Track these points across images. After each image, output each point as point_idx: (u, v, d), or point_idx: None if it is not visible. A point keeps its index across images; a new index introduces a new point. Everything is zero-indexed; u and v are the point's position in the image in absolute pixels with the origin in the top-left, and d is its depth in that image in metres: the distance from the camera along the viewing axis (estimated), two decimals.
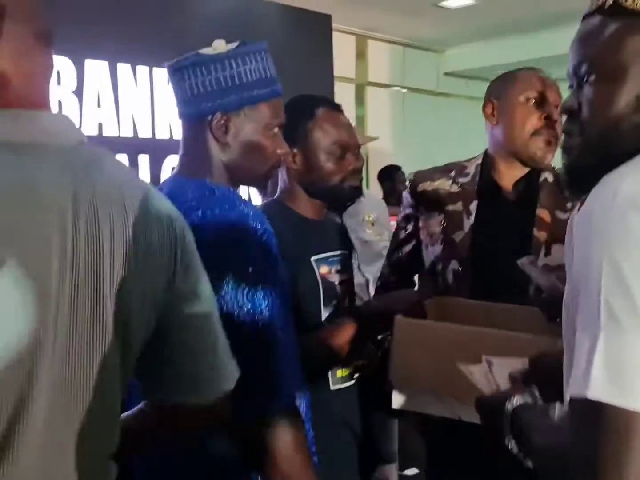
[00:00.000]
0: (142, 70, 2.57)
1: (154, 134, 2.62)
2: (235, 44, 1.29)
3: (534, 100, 1.76)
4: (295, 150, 1.72)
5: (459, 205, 1.85)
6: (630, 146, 0.86)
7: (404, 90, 6.70)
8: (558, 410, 1.03)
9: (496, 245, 1.81)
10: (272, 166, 1.38)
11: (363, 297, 2.43)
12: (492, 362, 1.48)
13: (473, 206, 1.84)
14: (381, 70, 6.46)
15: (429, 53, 6.88)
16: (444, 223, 1.85)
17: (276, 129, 1.34)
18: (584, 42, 0.90)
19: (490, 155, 1.90)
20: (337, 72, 4.03)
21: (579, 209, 0.83)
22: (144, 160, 2.58)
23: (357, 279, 2.15)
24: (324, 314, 1.69)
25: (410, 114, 6.66)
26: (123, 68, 2.52)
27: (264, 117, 1.31)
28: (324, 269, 1.71)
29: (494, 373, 1.45)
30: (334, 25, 3.89)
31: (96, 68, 2.44)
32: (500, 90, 1.85)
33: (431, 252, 1.87)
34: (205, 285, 0.96)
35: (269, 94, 1.32)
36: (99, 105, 2.47)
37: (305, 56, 3.40)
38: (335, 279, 1.74)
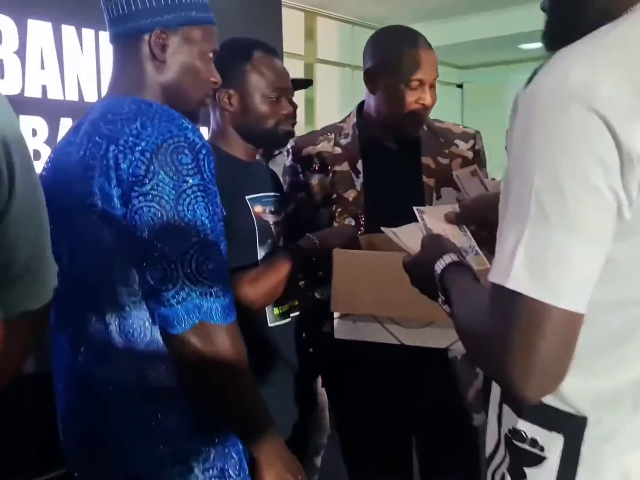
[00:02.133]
0: (88, 33, 2.54)
1: (99, 98, 2.59)
2: None
3: (414, 85, 1.84)
4: (231, 92, 1.74)
5: (345, 166, 1.91)
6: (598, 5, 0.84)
7: (353, 69, 6.73)
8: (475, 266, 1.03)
9: (389, 198, 1.88)
10: (205, 94, 1.40)
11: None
12: (423, 212, 1.48)
13: (359, 165, 1.91)
14: (330, 47, 6.47)
15: None
16: (333, 184, 1.90)
17: (210, 55, 1.36)
18: None
19: (366, 112, 1.97)
20: (285, 48, 4.04)
21: (525, 87, 0.80)
22: None
23: None
24: (260, 252, 1.72)
25: (359, 91, 6.68)
26: (67, 30, 2.49)
27: (199, 41, 1.34)
28: (258, 208, 1.73)
29: (426, 222, 1.44)
30: (282, 1, 3.89)
31: (39, 29, 2.40)
32: (383, 64, 1.90)
33: (325, 214, 1.92)
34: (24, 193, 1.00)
35: (206, 19, 1.34)
36: (42, 67, 2.44)
37: (254, 32, 3.39)
38: (270, 219, 1.76)
